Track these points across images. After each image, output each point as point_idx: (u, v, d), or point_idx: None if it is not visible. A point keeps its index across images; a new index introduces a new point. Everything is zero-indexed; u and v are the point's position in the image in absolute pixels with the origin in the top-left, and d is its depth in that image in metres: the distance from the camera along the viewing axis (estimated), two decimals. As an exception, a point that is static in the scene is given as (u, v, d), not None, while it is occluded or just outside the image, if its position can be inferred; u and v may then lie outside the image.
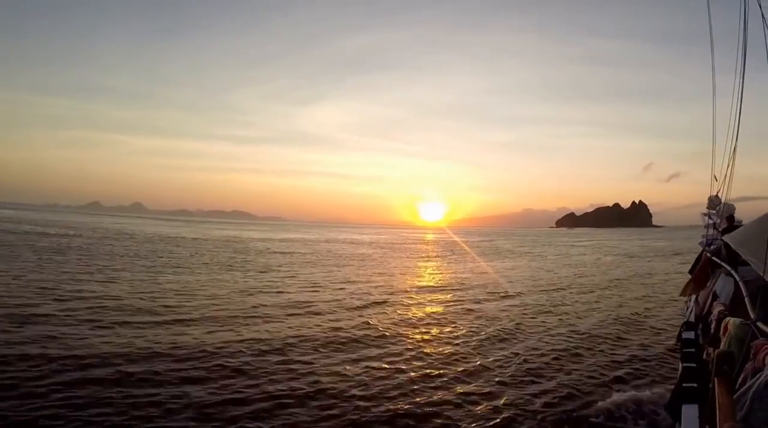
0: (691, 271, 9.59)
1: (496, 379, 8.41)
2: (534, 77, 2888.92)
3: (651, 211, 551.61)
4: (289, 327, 11.65)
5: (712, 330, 4.61)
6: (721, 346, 3.59)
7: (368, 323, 12.55)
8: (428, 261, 38.14)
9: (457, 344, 10.79)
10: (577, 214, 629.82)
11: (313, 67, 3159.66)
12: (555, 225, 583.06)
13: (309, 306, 14.57)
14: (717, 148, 8.89)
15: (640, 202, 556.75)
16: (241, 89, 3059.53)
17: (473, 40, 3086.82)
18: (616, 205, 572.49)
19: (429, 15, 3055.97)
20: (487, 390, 7.90)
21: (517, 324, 13.01)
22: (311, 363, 8.89)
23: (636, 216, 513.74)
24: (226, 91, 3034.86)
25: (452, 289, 20.14)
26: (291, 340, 10.34)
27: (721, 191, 9.18)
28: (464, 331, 12.08)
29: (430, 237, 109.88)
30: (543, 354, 10.07)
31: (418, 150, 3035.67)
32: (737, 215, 9.95)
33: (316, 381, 7.89)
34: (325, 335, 11.05)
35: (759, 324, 3.35)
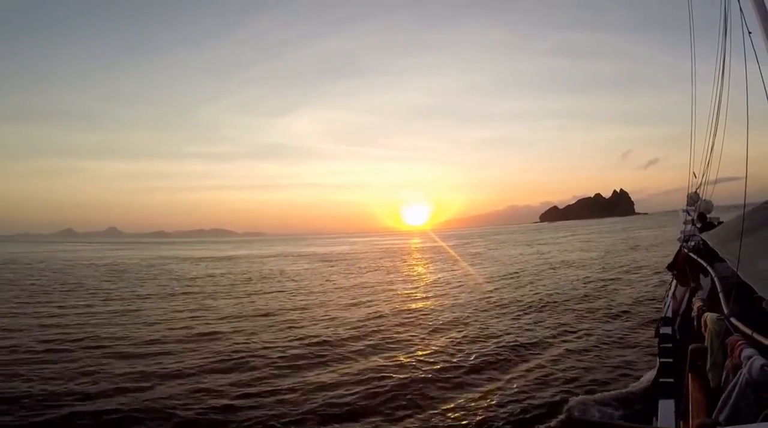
0: (669, 267, 9.52)
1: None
2: (509, 73, 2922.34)
3: (633, 199, 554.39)
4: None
5: (694, 326, 4.66)
6: (705, 342, 3.57)
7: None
8: (360, 276, 30.49)
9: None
10: (560, 207, 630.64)
11: (284, 77, 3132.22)
12: (539, 220, 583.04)
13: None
14: (696, 135, 9.12)
15: (621, 190, 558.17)
16: (211, 103, 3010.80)
17: (445, 39, 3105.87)
18: (598, 195, 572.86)
19: (398, 18, 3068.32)
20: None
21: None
22: None
23: (618, 204, 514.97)
24: (195, 107, 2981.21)
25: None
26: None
27: (699, 188, 9.84)
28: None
29: (398, 243, 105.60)
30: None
31: (398, 154, 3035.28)
32: (715, 198, 10.20)
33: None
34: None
35: (732, 319, 3.37)
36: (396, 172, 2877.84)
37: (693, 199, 10.85)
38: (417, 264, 40.35)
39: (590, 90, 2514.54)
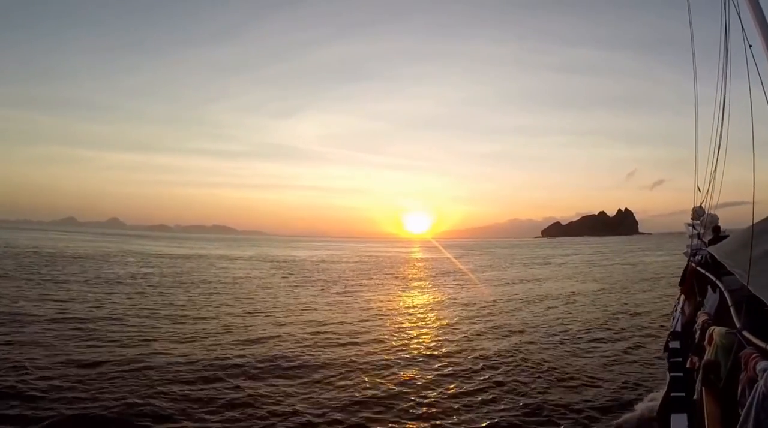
0: (681, 283, 9.54)
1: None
2: (515, 87, 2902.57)
3: (637, 219, 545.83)
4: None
5: (696, 340, 4.72)
6: (706, 355, 3.67)
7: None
8: (287, 293, 25.30)
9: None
10: (563, 222, 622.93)
11: (291, 78, 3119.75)
12: (541, 235, 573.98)
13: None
14: (699, 156, 9.47)
15: (626, 209, 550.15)
16: (218, 102, 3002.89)
17: (453, 50, 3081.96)
18: (602, 213, 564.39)
19: (408, 26, 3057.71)
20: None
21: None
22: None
23: (622, 223, 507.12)
24: (202, 104, 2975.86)
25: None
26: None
27: (704, 202, 9.90)
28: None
29: (389, 251, 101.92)
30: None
31: (401, 162, 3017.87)
32: (721, 221, 10.11)
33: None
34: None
35: (744, 333, 3.34)
36: (398, 179, 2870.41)
37: (698, 213, 10.79)
38: (374, 281, 34.85)
39: (596, 108, 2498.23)
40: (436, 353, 12.05)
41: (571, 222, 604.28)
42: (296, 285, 27.55)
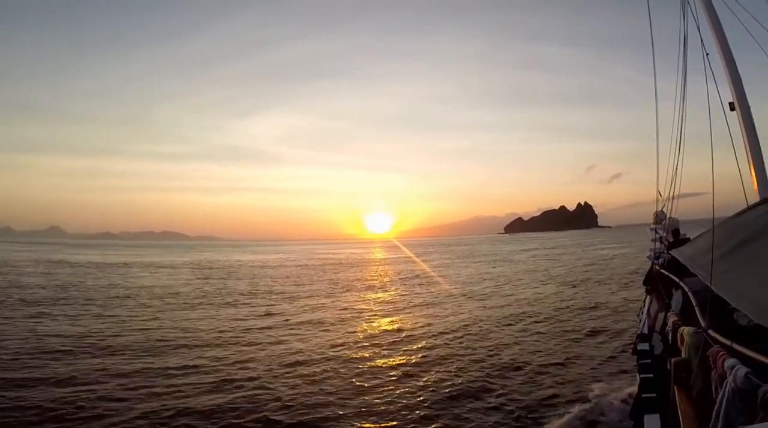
0: (645, 283, 9.84)
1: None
2: (479, 83, 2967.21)
3: (596, 212, 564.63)
4: None
5: (669, 341, 4.81)
6: (682, 355, 3.71)
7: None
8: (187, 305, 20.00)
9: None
10: (525, 218, 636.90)
11: (250, 77, 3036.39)
12: (504, 231, 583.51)
13: None
14: (659, 150, 9.58)
15: (585, 203, 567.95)
16: (171, 102, 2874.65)
17: (418, 47, 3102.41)
18: (563, 208, 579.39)
19: (371, 24, 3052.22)
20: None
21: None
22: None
23: (582, 217, 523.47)
24: (153, 105, 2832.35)
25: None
26: None
27: (665, 206, 9.96)
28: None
29: (341, 253, 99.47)
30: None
31: (363, 161, 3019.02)
32: (678, 213, 10.32)
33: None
34: None
35: (710, 332, 3.41)
36: (361, 179, 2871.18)
37: (660, 217, 10.80)
38: (299, 288, 29.64)
39: (558, 103, 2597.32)
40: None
41: (533, 217, 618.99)
42: (198, 297, 21.97)
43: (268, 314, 17.60)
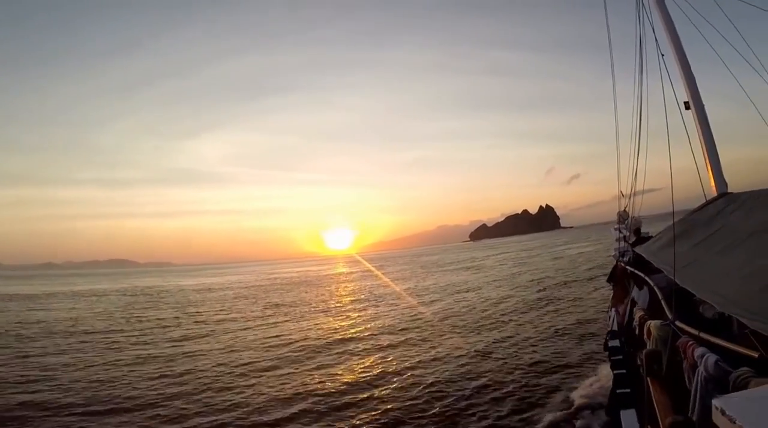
0: (609, 280, 10.26)
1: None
2: (440, 93, 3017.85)
3: (558, 214, 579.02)
4: None
5: (637, 335, 4.80)
6: (648, 348, 3.73)
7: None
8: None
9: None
10: (489, 225, 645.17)
11: (197, 95, 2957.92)
12: (469, 239, 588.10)
13: None
14: (621, 152, 10.00)
15: (547, 205, 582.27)
16: (114, 124, 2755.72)
17: (378, 58, 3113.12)
18: (525, 212, 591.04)
19: (325, 35, 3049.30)
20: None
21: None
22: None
23: (544, 219, 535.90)
24: (91, 128, 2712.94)
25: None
26: None
27: (627, 206, 10.43)
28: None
29: (293, 272, 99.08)
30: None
31: (321, 177, 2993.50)
32: (639, 209, 10.62)
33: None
34: None
35: (677, 323, 3.47)
36: (319, 195, 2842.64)
37: (623, 217, 11.06)
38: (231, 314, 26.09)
39: (519, 109, 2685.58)
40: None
41: (497, 223, 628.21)
42: (100, 330, 17.31)
43: (177, 340, 14.45)
